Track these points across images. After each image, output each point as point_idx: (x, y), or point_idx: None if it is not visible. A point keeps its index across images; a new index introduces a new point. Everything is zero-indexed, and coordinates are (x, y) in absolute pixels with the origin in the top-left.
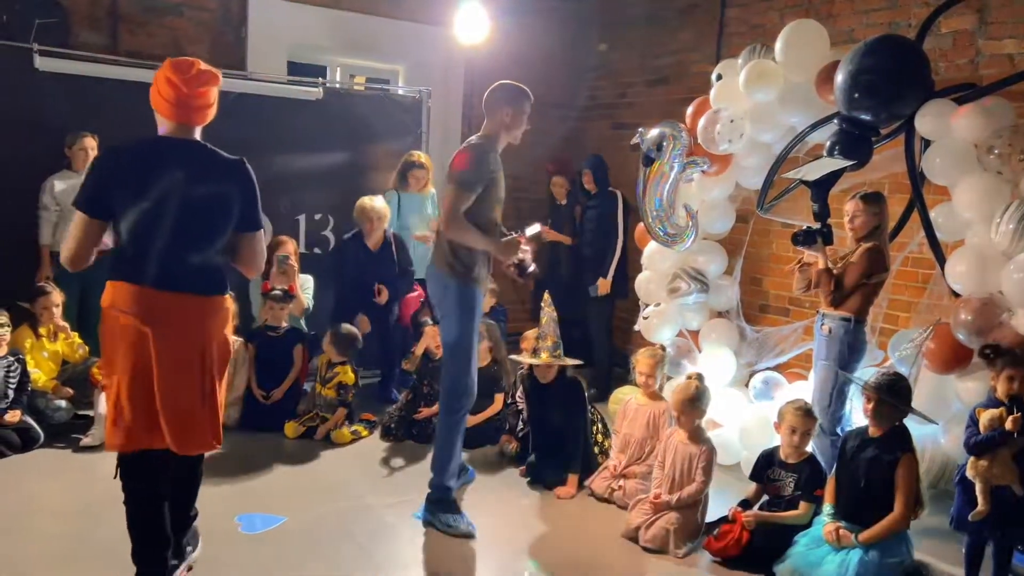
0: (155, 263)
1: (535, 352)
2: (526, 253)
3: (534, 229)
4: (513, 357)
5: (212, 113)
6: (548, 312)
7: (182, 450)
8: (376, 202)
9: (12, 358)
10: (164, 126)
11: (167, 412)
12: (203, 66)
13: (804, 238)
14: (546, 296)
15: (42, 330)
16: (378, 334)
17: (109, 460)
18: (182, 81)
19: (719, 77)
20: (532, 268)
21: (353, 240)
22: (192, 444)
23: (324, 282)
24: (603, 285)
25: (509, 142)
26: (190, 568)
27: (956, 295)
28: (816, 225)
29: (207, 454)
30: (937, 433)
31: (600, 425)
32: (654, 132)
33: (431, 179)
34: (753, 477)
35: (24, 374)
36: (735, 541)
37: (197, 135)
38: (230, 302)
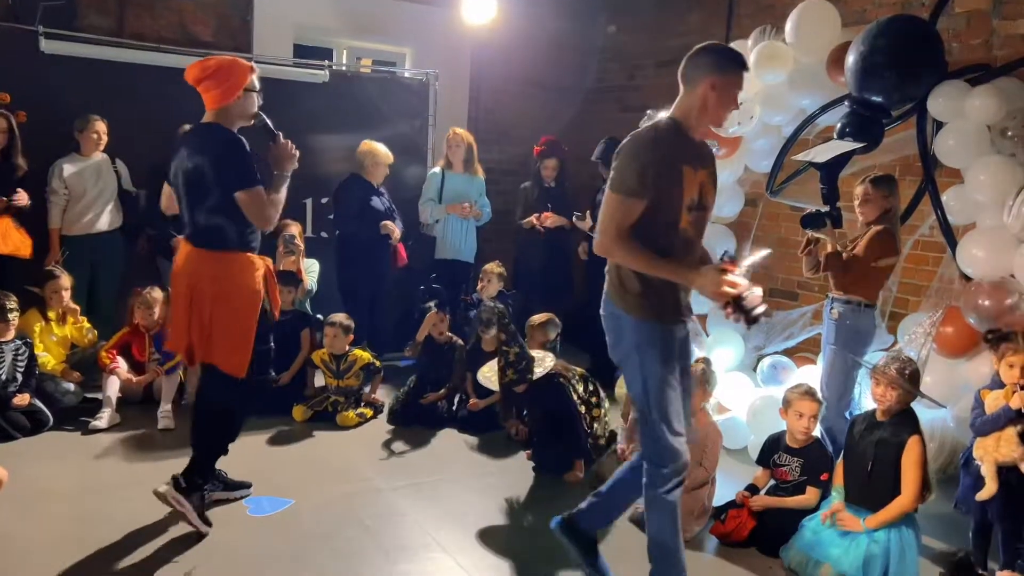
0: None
1: (500, 370)
2: (748, 289)
3: (757, 257)
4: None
5: (216, 97)
6: (503, 326)
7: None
8: (380, 146)
9: (20, 342)
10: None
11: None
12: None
13: (812, 220)
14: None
15: (51, 314)
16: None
17: (118, 442)
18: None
19: None
20: (761, 308)
21: (354, 179)
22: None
23: (329, 267)
24: (585, 224)
25: (709, 127)
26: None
27: (967, 279)
28: (825, 208)
29: None
30: (946, 418)
31: (606, 409)
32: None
33: (467, 157)
34: (760, 462)
35: (32, 358)
36: (742, 525)
37: (209, 117)
38: (239, 256)
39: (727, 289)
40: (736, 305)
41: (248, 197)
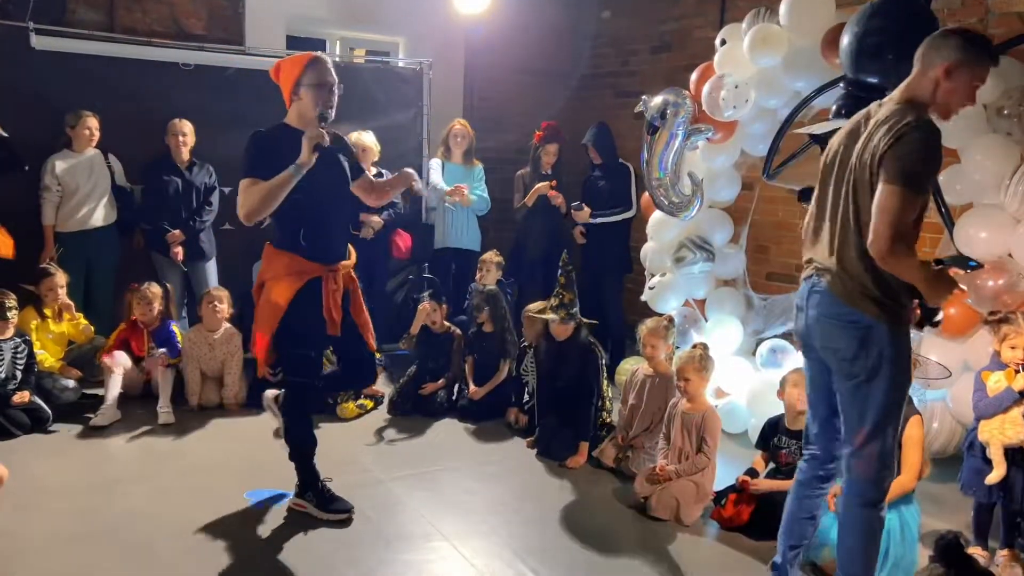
0: None
1: (551, 309)
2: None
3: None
4: (530, 314)
5: (287, 98)
6: (567, 272)
7: None
8: (364, 136)
9: (19, 340)
10: None
11: None
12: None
13: (810, 194)
14: (564, 256)
15: (47, 311)
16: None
17: (118, 439)
18: None
19: (723, 42)
20: (940, 316)
21: None
22: None
23: None
24: (583, 214)
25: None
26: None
27: None
28: None
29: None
30: (945, 398)
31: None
32: (657, 100)
33: (468, 148)
34: (759, 445)
35: (31, 355)
36: (742, 510)
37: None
38: (275, 253)
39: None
40: (929, 311)
41: (241, 186)
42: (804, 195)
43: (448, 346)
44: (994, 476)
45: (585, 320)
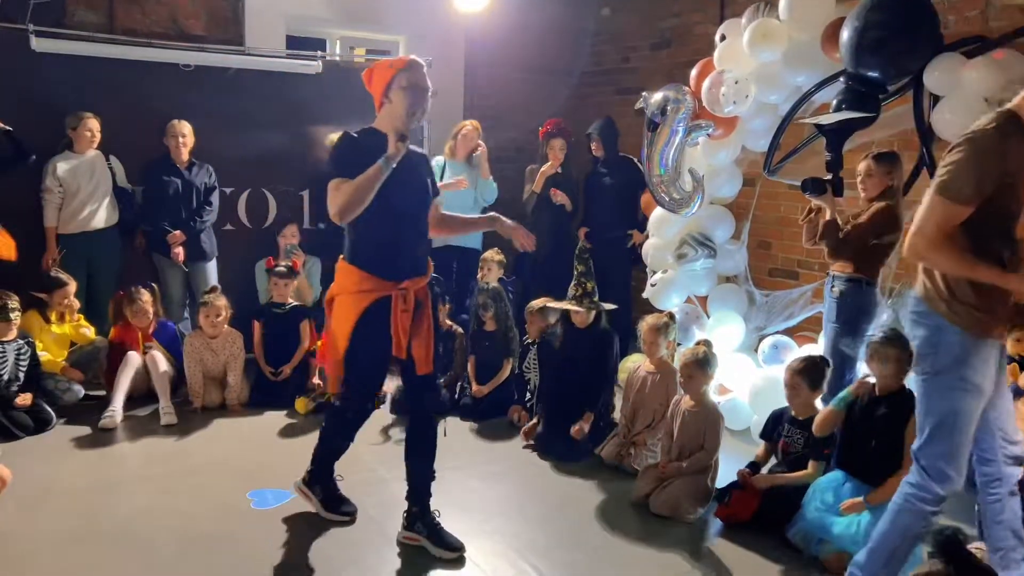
0: None
1: (573, 299)
2: None
3: None
4: (551, 305)
5: (377, 101)
6: (584, 260)
7: None
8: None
9: (22, 341)
10: None
11: None
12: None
13: (813, 185)
14: (583, 244)
15: (52, 315)
16: None
17: (121, 439)
18: None
19: (723, 38)
20: None
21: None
22: None
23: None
24: (636, 235)
25: None
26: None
27: None
28: (827, 176)
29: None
30: None
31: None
32: (658, 96)
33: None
34: (763, 436)
35: (34, 357)
36: (746, 506)
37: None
38: (346, 268)
39: None
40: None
41: (330, 186)
42: (806, 186)
43: (450, 345)
44: None
45: (605, 307)
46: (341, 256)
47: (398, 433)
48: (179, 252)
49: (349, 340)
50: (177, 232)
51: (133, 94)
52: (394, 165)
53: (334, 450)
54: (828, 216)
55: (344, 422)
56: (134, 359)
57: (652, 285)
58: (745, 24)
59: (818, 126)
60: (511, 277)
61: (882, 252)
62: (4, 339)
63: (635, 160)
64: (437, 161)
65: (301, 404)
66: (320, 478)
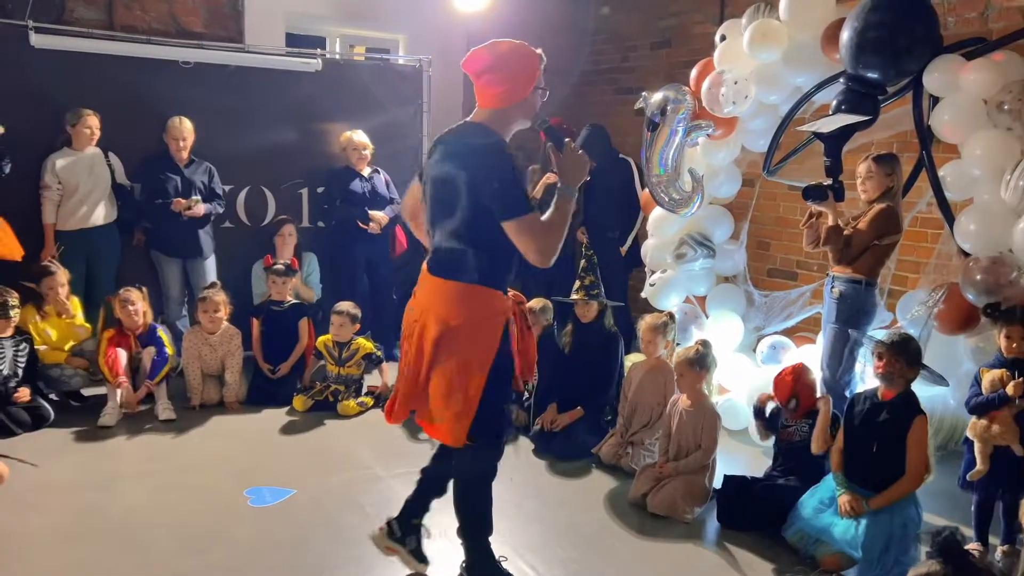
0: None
1: (576, 290)
2: None
3: None
4: (557, 299)
5: (504, 94)
6: (587, 255)
7: (390, 419)
8: (354, 136)
9: (20, 337)
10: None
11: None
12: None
13: (814, 192)
14: (582, 238)
15: (47, 308)
16: (372, 300)
17: (118, 436)
18: (467, 66)
19: (723, 38)
20: None
21: (345, 170)
22: (390, 414)
23: (325, 257)
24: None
25: None
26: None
27: (965, 254)
28: (827, 181)
29: None
30: (947, 395)
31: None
32: (658, 96)
33: None
34: (768, 425)
35: (32, 353)
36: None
37: (481, 116)
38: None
39: None
40: None
41: (520, 226)
42: (808, 193)
43: None
44: (975, 472)
45: (610, 302)
46: (455, 281)
47: (393, 431)
48: (190, 209)
49: (488, 374)
50: (180, 199)
51: (132, 91)
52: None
53: (485, 520)
54: (830, 221)
55: (485, 476)
56: (125, 382)
57: (651, 285)
58: (745, 24)
59: (816, 134)
60: None
61: (883, 253)
62: (2, 335)
63: (630, 161)
64: None
65: (299, 402)
66: (481, 566)
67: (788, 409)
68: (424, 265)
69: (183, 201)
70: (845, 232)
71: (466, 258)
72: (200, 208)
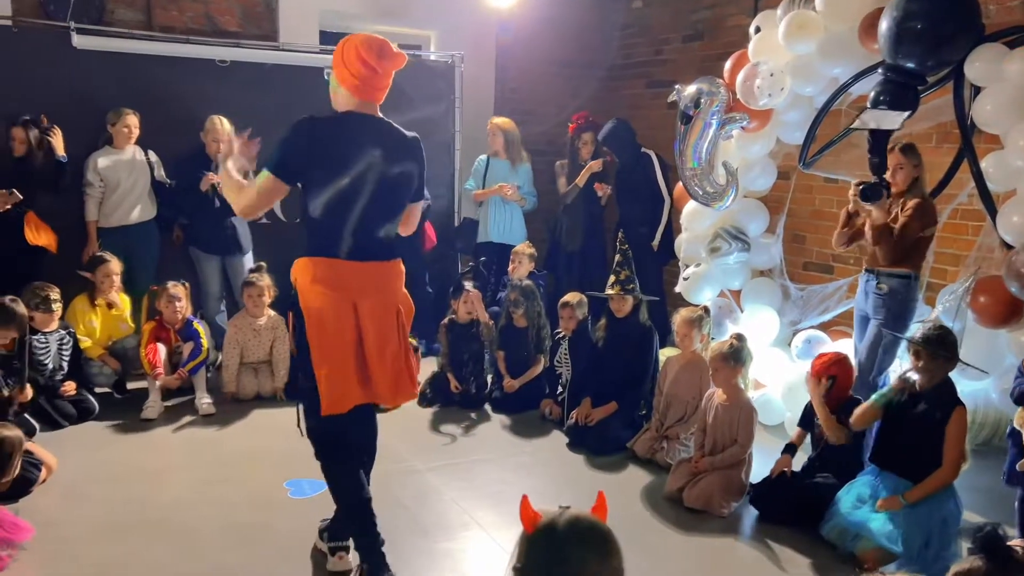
0: (355, 236)
1: (611, 285)
2: None
3: None
4: (588, 294)
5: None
6: (623, 251)
7: (392, 402)
8: None
9: (64, 331)
10: (351, 103)
11: (380, 370)
12: (395, 47)
13: (873, 192)
14: (620, 235)
15: (99, 300)
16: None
17: (161, 430)
18: (377, 61)
19: (758, 30)
20: None
21: None
22: (401, 395)
23: None
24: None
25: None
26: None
27: (1008, 247)
28: (875, 179)
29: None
30: (989, 390)
31: None
32: (691, 89)
33: (507, 145)
34: (801, 423)
35: (76, 347)
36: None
37: (372, 109)
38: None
39: None
40: None
41: (420, 206)
42: (866, 194)
43: (475, 332)
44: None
45: (645, 297)
46: (397, 259)
47: (429, 424)
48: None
49: None
50: (210, 174)
51: (170, 90)
52: None
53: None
54: (879, 220)
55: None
56: (163, 372)
57: (685, 279)
58: (780, 16)
59: (869, 131)
60: (542, 271)
61: (925, 246)
62: (46, 330)
63: (652, 155)
64: (479, 160)
65: None
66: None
67: (823, 389)
68: (365, 258)
69: (214, 176)
70: (894, 229)
71: (397, 237)
72: None
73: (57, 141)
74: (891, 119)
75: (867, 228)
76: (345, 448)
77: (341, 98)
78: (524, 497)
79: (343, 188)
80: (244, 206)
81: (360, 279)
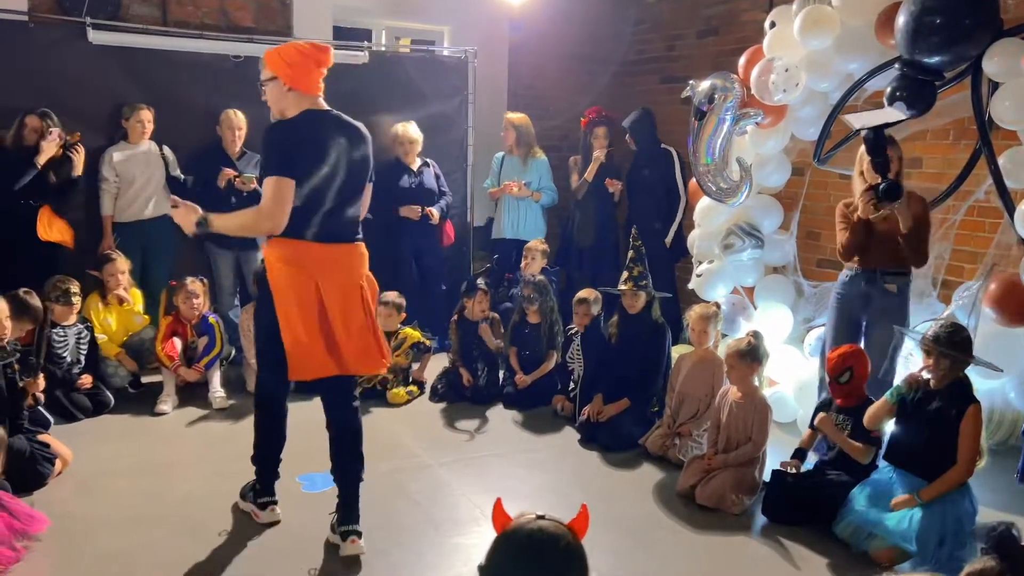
0: (325, 220)
1: (624, 281)
2: None
3: None
4: (600, 290)
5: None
6: (636, 247)
7: (361, 370)
8: (409, 128)
9: (82, 326)
10: (305, 101)
11: (347, 342)
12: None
13: (892, 192)
14: (634, 231)
15: (110, 297)
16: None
17: (176, 423)
18: (326, 60)
19: (773, 25)
20: None
21: (396, 162)
22: (369, 364)
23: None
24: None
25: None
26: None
27: None
28: (883, 180)
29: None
30: (1005, 389)
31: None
32: (705, 84)
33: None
34: (811, 425)
35: (93, 341)
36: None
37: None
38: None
39: None
40: None
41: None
42: (886, 194)
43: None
44: None
45: (657, 294)
46: (360, 241)
47: (441, 420)
48: (248, 185)
49: None
50: (228, 170)
51: (185, 85)
52: None
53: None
54: (909, 219)
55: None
56: (180, 364)
57: (698, 275)
58: (796, 10)
59: (868, 129)
60: (555, 267)
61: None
62: (65, 323)
63: (672, 151)
64: (497, 156)
65: (400, 395)
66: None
67: (839, 383)
68: (332, 240)
69: (232, 172)
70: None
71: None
72: (253, 183)
73: (79, 159)
74: (876, 118)
75: (900, 229)
76: (279, 404)
77: (291, 102)
78: (498, 500)
79: (324, 176)
80: (268, 220)
81: (322, 260)
